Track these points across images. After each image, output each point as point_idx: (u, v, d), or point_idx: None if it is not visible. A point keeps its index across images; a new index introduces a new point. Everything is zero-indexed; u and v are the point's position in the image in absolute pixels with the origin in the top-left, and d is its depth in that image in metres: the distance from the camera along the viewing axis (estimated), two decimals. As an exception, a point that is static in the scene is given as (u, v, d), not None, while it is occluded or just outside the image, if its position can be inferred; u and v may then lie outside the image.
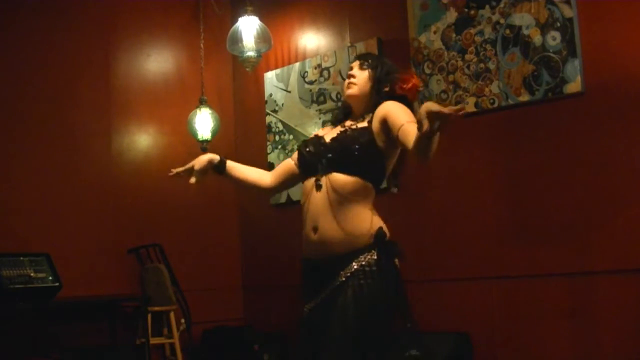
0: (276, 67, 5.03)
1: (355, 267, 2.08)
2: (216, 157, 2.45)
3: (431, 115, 1.68)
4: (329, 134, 2.32)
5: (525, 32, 3.68)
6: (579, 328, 3.43)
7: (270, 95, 5.02)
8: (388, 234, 2.15)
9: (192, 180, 2.42)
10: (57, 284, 3.70)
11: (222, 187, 5.11)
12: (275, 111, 4.98)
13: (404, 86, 2.24)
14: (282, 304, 4.84)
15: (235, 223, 5.22)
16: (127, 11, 4.82)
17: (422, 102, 4.05)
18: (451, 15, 4.00)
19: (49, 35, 4.35)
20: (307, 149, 2.26)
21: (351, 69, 2.36)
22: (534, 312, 3.57)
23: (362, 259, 2.09)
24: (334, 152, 2.17)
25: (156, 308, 4.29)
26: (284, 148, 4.88)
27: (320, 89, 4.70)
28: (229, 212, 5.19)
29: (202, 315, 4.64)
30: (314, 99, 4.73)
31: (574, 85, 3.48)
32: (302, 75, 4.82)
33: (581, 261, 3.43)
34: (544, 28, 3.61)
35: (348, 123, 2.32)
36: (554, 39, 3.58)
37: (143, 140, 4.83)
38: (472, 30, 3.90)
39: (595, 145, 3.44)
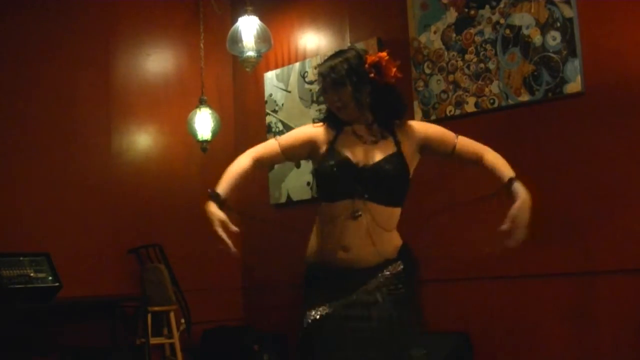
0: (276, 67, 5.03)
1: (386, 274, 2.16)
2: (214, 206, 2.51)
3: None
4: (344, 144, 2.23)
5: (525, 32, 3.68)
6: (579, 328, 3.43)
7: (270, 95, 5.02)
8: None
9: (234, 250, 2.43)
10: (57, 284, 3.70)
11: (222, 187, 5.12)
12: (275, 111, 4.98)
13: (379, 78, 2.19)
14: (282, 304, 4.83)
15: (235, 223, 5.19)
16: (127, 11, 4.82)
17: (422, 103, 4.06)
18: (451, 15, 4.00)
19: (49, 35, 4.35)
20: (337, 172, 2.19)
21: (325, 90, 2.26)
22: (534, 312, 3.57)
23: (391, 269, 2.17)
24: (373, 184, 2.15)
25: (156, 308, 4.29)
26: (284, 148, 4.87)
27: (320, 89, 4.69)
28: (229, 212, 5.17)
29: (202, 315, 4.64)
30: (314, 99, 4.73)
31: (574, 85, 3.48)
32: (302, 75, 4.82)
33: (581, 261, 3.43)
34: (544, 28, 3.61)
35: (363, 133, 2.23)
36: (554, 39, 3.58)
37: (143, 140, 4.82)
38: (472, 30, 3.90)
39: (595, 145, 3.44)
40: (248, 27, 4.57)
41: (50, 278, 3.69)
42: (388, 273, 2.16)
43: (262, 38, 4.58)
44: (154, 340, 4.27)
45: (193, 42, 5.07)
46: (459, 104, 3.92)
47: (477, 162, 2.25)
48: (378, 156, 2.18)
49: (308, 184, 4.67)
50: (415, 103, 4.08)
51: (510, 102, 3.72)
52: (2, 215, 3.95)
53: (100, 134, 4.55)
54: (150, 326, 4.22)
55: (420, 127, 2.29)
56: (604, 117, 3.40)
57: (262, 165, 2.43)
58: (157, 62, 4.98)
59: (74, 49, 4.47)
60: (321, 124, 2.32)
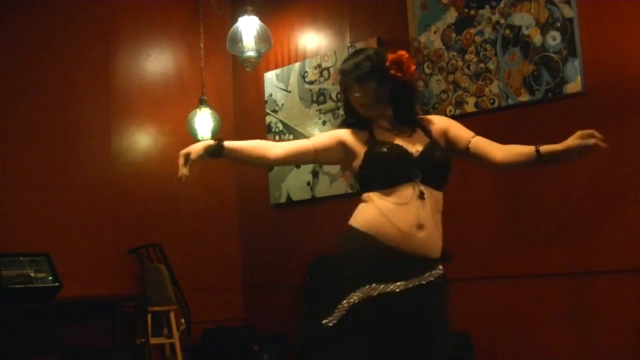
0: (276, 67, 5.03)
1: (440, 272, 2.24)
2: (211, 143, 2.32)
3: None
4: (382, 139, 2.29)
5: (525, 32, 3.68)
6: (579, 328, 3.43)
7: (270, 95, 5.02)
8: None
9: (184, 172, 2.34)
10: (57, 284, 3.70)
11: (222, 188, 5.13)
12: (275, 111, 4.98)
13: (400, 74, 2.29)
14: (282, 304, 4.84)
15: (235, 223, 5.22)
16: (127, 11, 4.82)
17: (422, 103, 4.06)
18: (451, 15, 4.00)
19: (49, 35, 4.35)
20: (394, 156, 2.24)
21: (348, 87, 2.32)
22: (534, 312, 3.57)
23: (440, 269, 2.25)
24: (428, 168, 2.24)
25: (156, 308, 4.29)
26: (284, 148, 4.87)
27: (320, 89, 4.70)
28: (229, 212, 5.19)
29: (202, 315, 4.64)
30: (314, 99, 4.73)
31: (574, 85, 3.48)
32: (302, 75, 4.82)
33: (581, 261, 3.43)
34: (544, 28, 3.61)
35: (394, 129, 2.32)
36: (554, 39, 3.58)
37: (143, 140, 4.82)
38: (472, 30, 3.90)
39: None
40: (248, 27, 4.57)
41: (50, 278, 3.69)
42: (440, 272, 2.24)
43: (262, 38, 4.58)
44: (154, 340, 4.27)
45: (193, 42, 5.07)
46: (459, 104, 3.92)
47: (492, 163, 2.27)
48: (420, 145, 2.26)
49: (308, 183, 4.67)
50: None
51: (510, 102, 3.72)
52: (2, 215, 3.95)
53: (100, 134, 4.55)
54: (150, 326, 4.21)
55: (440, 119, 2.41)
56: (604, 117, 3.40)
57: (289, 156, 2.35)
58: (157, 62, 4.98)
59: (74, 49, 4.47)
60: (346, 129, 2.37)
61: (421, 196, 2.19)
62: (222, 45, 4.76)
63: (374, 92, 2.29)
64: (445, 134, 2.35)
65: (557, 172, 3.55)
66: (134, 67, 4.83)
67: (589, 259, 3.40)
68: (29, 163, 4.15)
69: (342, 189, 4.45)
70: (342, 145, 2.33)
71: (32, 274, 3.62)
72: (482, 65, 3.84)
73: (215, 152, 2.31)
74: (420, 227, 2.18)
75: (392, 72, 2.28)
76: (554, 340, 3.49)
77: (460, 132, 2.35)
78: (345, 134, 2.35)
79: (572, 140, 2.08)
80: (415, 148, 2.26)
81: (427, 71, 4.07)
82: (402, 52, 2.32)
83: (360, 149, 2.29)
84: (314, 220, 4.69)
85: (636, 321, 3.24)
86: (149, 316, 4.18)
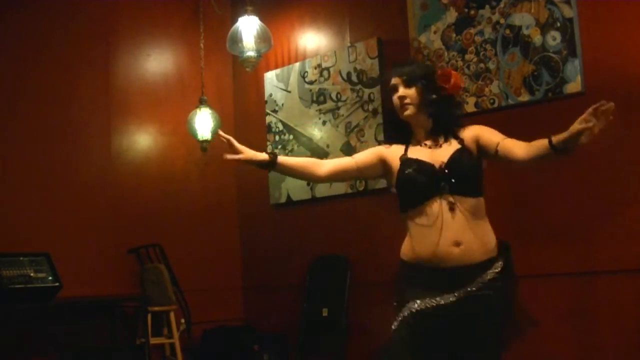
0: (276, 67, 5.03)
1: (492, 274, 2.30)
2: (265, 157, 2.43)
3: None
4: (415, 156, 2.41)
5: (525, 32, 3.68)
6: (579, 328, 3.43)
7: (270, 95, 5.02)
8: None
9: (228, 157, 2.41)
10: (57, 284, 3.70)
11: (222, 188, 5.13)
12: (275, 111, 4.98)
13: (447, 86, 2.40)
14: (282, 304, 4.84)
15: (235, 223, 5.22)
16: (127, 11, 4.82)
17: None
18: (451, 15, 4.00)
19: (49, 35, 4.35)
20: (416, 175, 2.36)
21: (395, 86, 2.44)
22: (534, 312, 3.57)
23: (495, 267, 2.31)
24: (455, 177, 2.32)
25: (156, 308, 4.29)
26: (284, 148, 4.87)
27: (320, 89, 4.70)
28: (229, 212, 5.19)
29: (202, 315, 4.64)
30: (314, 99, 4.73)
31: (574, 85, 3.48)
32: (302, 75, 4.82)
33: (581, 261, 3.43)
34: (544, 28, 3.61)
35: (429, 142, 2.44)
36: (554, 39, 3.58)
37: (143, 140, 4.82)
38: (472, 30, 3.90)
39: (595, 145, 3.43)
40: (248, 27, 4.57)
41: (50, 278, 3.69)
42: (493, 272, 2.30)
43: (262, 38, 4.57)
44: (154, 340, 4.28)
45: (193, 42, 5.07)
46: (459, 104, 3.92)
47: (517, 161, 2.29)
48: (447, 154, 2.36)
49: (308, 184, 4.67)
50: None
51: (510, 102, 3.72)
52: (2, 215, 3.95)
53: (100, 134, 4.55)
54: (150, 326, 4.22)
55: (474, 127, 2.46)
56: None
57: (334, 173, 2.55)
58: (157, 62, 4.98)
59: (74, 49, 4.47)
60: (389, 144, 2.52)
61: (451, 208, 2.30)
62: (222, 45, 4.76)
63: (418, 96, 2.40)
64: (477, 140, 2.39)
65: (558, 172, 3.55)
66: (134, 67, 4.83)
67: (589, 259, 3.40)
68: (29, 163, 4.15)
69: (342, 189, 4.45)
70: (381, 161, 2.49)
71: (32, 274, 3.62)
72: (482, 65, 3.84)
73: (268, 165, 2.45)
74: (457, 244, 2.29)
75: (440, 81, 2.40)
76: (554, 340, 3.49)
77: (491, 136, 2.38)
78: (384, 151, 2.51)
79: (575, 125, 2.11)
80: (442, 159, 2.35)
81: (427, 71, 4.07)
82: (452, 70, 2.48)
83: (395, 166, 2.43)
84: (314, 220, 4.69)
85: (636, 321, 3.24)
86: (149, 316, 4.18)
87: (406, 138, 2.48)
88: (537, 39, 3.63)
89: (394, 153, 2.47)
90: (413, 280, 2.37)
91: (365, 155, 2.54)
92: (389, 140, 2.55)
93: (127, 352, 4.16)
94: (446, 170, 2.33)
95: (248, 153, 2.42)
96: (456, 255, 2.29)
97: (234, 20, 4.72)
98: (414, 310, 2.31)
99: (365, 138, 4.39)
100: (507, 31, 3.75)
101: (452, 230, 2.29)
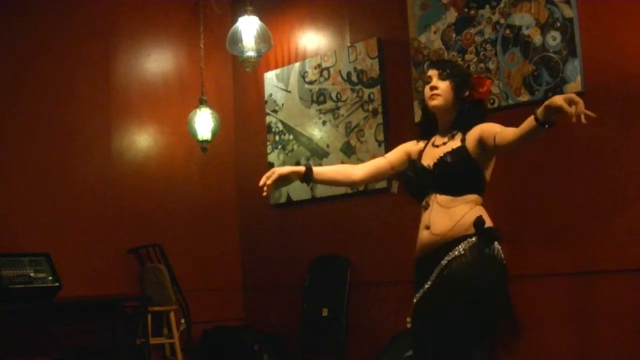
0: (276, 67, 5.03)
1: (459, 250, 2.31)
2: (301, 170, 2.55)
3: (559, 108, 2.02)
4: (425, 154, 2.53)
5: (525, 32, 3.68)
6: (579, 328, 3.43)
7: (270, 95, 5.02)
8: (487, 222, 2.38)
9: (266, 182, 2.50)
10: (57, 284, 3.70)
11: (222, 188, 5.13)
12: (275, 111, 4.98)
13: (481, 90, 2.47)
14: (282, 304, 4.84)
15: (235, 223, 5.22)
16: (127, 11, 4.82)
17: (422, 103, 4.05)
18: (451, 15, 4.00)
19: (49, 34, 4.35)
20: (411, 175, 2.50)
21: (429, 78, 2.50)
22: (534, 312, 3.57)
23: (465, 244, 2.31)
24: (437, 179, 2.40)
25: (156, 308, 4.29)
26: (284, 148, 4.88)
27: (320, 89, 4.70)
28: (229, 212, 5.19)
29: (202, 315, 4.64)
30: (314, 99, 4.73)
31: (574, 85, 3.48)
32: (302, 75, 4.82)
33: (581, 261, 3.43)
34: (544, 28, 3.61)
35: (439, 141, 2.51)
36: (554, 39, 3.58)
37: (143, 140, 4.82)
38: (472, 30, 3.90)
39: (595, 145, 3.44)
40: (248, 27, 4.57)
41: (50, 278, 3.69)
42: (461, 249, 2.31)
43: (262, 38, 4.58)
44: (154, 340, 4.28)
45: (193, 42, 5.08)
46: (459, 104, 3.92)
47: (509, 145, 2.26)
48: (443, 153, 2.42)
49: (308, 184, 4.66)
50: (415, 103, 4.08)
51: (510, 102, 3.72)
52: (2, 216, 3.95)
53: (100, 134, 4.55)
54: (150, 326, 4.22)
55: (479, 125, 2.45)
56: (604, 117, 3.39)
57: (370, 175, 2.67)
58: (157, 62, 4.98)
59: (74, 49, 4.46)
60: (417, 141, 2.63)
61: (425, 207, 2.42)
62: (222, 45, 4.77)
63: (450, 91, 2.44)
64: (480, 137, 2.40)
65: (557, 172, 3.55)
66: (134, 67, 4.83)
67: (589, 259, 3.40)
68: (29, 163, 4.14)
69: (341, 190, 4.45)
70: (408, 157, 2.62)
71: (32, 274, 3.62)
72: (482, 65, 3.84)
73: (305, 178, 2.57)
74: (427, 227, 2.39)
75: (475, 83, 2.46)
76: (554, 340, 3.49)
77: (490, 129, 2.37)
78: (410, 147, 2.64)
79: (558, 100, 2.08)
80: (437, 157, 2.41)
81: (427, 71, 4.07)
82: (490, 84, 2.56)
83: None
84: (314, 221, 4.69)
85: (636, 321, 3.24)
86: (149, 316, 4.18)
87: (432, 130, 2.56)
88: (537, 39, 3.63)
89: (417, 149, 2.60)
90: (415, 277, 2.46)
91: (396, 153, 2.66)
92: (421, 133, 2.63)
93: (127, 352, 4.15)
94: (433, 172, 2.41)
95: (283, 170, 2.52)
96: (426, 237, 2.38)
97: (234, 20, 4.73)
98: (413, 310, 2.41)
99: (365, 138, 4.39)
100: (507, 31, 3.75)
101: (426, 219, 2.41)
